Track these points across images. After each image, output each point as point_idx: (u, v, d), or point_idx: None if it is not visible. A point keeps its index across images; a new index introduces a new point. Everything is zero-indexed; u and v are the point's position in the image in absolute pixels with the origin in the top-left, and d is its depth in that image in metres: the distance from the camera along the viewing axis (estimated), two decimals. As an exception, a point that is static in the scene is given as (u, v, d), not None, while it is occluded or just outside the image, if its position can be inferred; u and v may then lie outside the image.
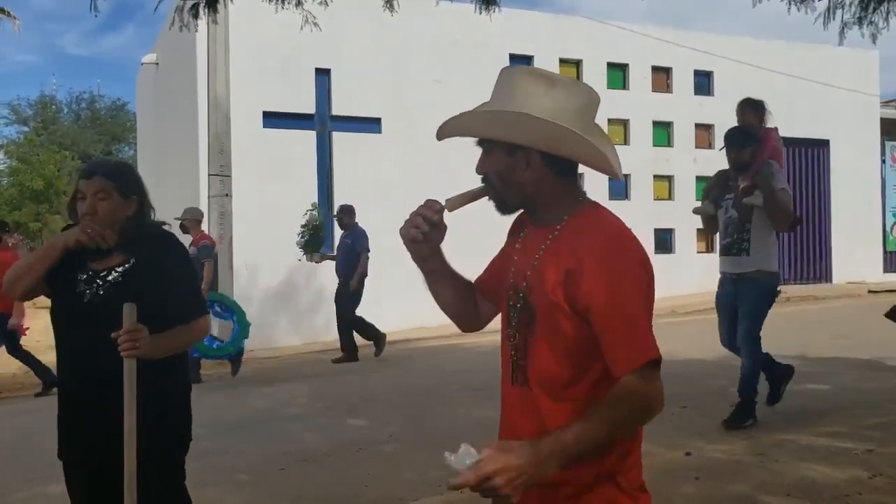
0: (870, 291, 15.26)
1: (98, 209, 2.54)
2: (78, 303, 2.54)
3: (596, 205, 1.79)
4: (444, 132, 1.80)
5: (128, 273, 2.57)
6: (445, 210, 1.77)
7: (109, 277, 2.56)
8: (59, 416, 2.62)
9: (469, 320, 2.02)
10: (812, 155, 17.02)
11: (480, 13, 6.05)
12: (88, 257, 2.60)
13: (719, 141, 18.03)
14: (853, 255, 16.84)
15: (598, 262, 1.63)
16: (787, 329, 10.71)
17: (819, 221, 17.09)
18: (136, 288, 2.53)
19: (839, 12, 5.49)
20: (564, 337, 1.68)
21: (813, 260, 17.06)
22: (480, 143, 1.77)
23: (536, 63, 14.08)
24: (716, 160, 17.43)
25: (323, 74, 12.35)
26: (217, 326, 8.54)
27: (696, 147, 15.54)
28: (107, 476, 2.51)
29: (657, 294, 1.74)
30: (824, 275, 17.10)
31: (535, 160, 1.70)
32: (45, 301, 2.77)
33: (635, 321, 1.61)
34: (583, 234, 1.69)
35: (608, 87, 14.79)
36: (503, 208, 1.80)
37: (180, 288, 2.64)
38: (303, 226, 10.25)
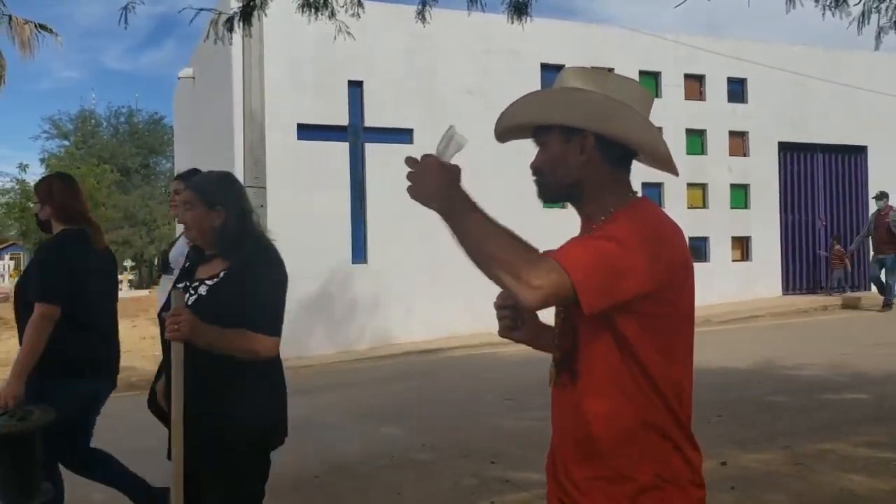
0: (911, 300, 14.91)
1: (186, 218, 2.69)
2: None
3: (645, 200, 1.72)
4: (501, 126, 1.79)
5: (215, 285, 2.61)
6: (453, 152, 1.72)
7: (200, 288, 2.62)
8: None
9: None
10: (849, 161, 16.75)
11: (512, 23, 6.07)
12: (198, 266, 2.73)
13: (754, 148, 17.72)
14: (894, 263, 16.47)
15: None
16: (826, 338, 10.53)
17: (858, 229, 16.78)
18: (220, 300, 2.56)
19: (875, 17, 5.41)
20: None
21: (852, 268, 16.74)
22: (537, 138, 1.75)
23: (568, 72, 14.04)
24: (750, 167, 17.05)
25: (355, 86, 12.45)
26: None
27: (731, 155, 15.34)
28: (199, 477, 2.59)
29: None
30: (864, 283, 16.78)
31: (589, 145, 1.66)
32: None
33: (571, 251, 1.54)
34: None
35: (640, 96, 14.70)
36: (545, 194, 1.77)
37: (258, 300, 2.60)
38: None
